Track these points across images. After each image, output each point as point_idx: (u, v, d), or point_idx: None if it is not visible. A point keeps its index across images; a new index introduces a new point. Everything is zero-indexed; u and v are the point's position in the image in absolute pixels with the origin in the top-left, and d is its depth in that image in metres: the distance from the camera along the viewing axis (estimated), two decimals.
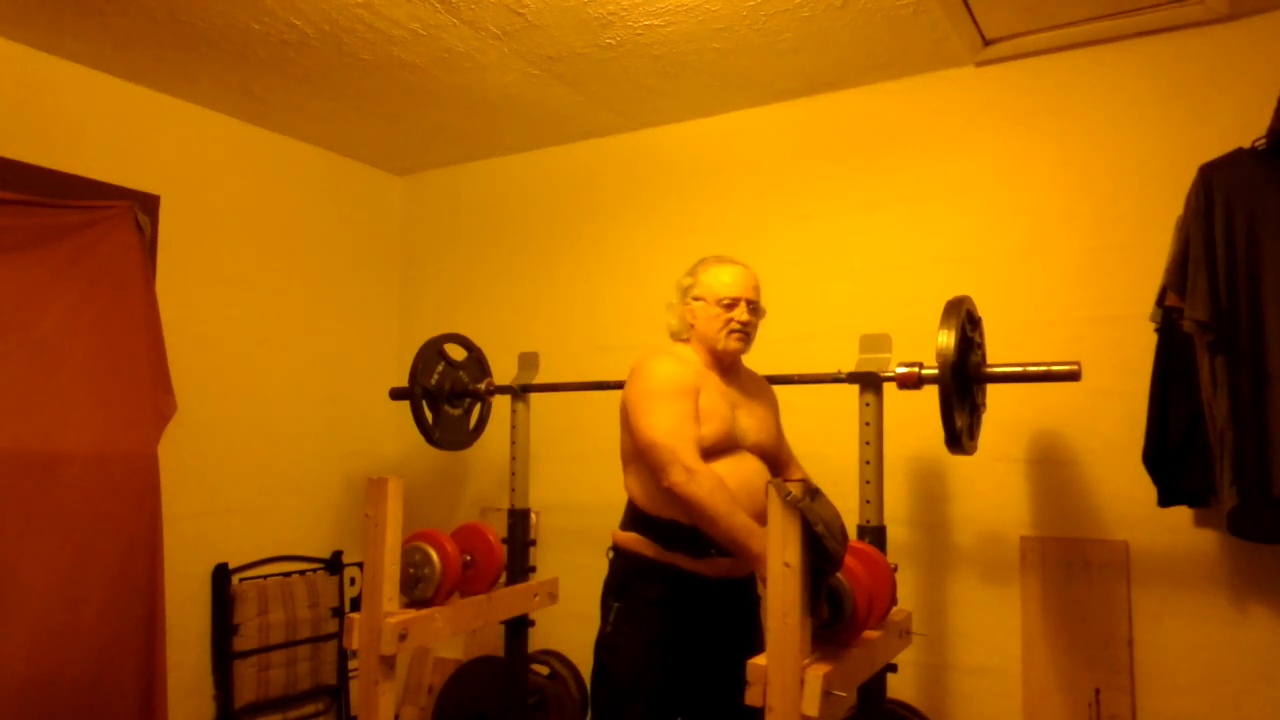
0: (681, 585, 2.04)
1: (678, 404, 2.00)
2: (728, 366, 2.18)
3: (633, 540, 2.10)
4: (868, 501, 2.08)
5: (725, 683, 2.06)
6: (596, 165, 3.42)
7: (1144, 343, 2.26)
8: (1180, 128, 2.36)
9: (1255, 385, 1.96)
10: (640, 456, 2.04)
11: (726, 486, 1.93)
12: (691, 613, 2.04)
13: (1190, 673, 2.24)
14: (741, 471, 2.04)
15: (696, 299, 2.16)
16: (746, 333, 2.14)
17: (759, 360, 2.73)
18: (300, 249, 3.47)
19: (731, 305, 2.12)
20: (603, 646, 2.10)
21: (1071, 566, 2.39)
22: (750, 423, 2.13)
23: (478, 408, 2.98)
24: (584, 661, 2.61)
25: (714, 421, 2.03)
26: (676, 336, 2.22)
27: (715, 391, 2.09)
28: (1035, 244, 2.54)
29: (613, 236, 3.34)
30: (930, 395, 1.94)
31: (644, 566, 2.07)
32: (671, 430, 1.96)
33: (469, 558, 2.40)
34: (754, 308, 2.16)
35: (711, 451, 2.01)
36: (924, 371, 2.03)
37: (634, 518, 2.13)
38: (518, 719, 2.71)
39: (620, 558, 2.14)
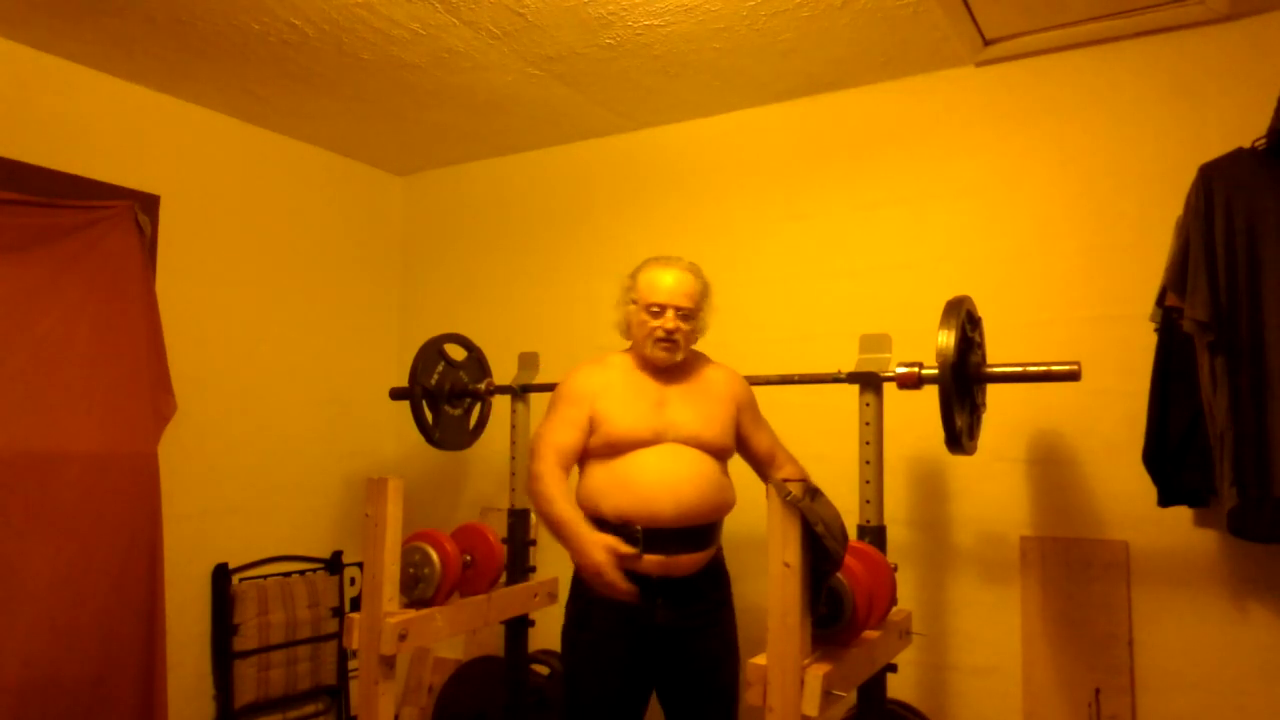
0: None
1: (562, 412, 2.13)
2: (666, 367, 2.16)
3: None
4: (868, 501, 2.09)
5: (681, 687, 2.11)
6: (596, 165, 3.41)
7: (1144, 343, 2.26)
8: (1180, 128, 2.36)
9: (1255, 385, 1.96)
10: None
11: (554, 486, 2.02)
12: (635, 610, 2.04)
13: (1190, 673, 2.23)
14: (666, 464, 2.04)
15: (632, 301, 2.18)
16: (673, 340, 2.11)
17: (759, 360, 2.73)
18: (300, 249, 3.47)
19: (659, 312, 2.11)
20: (562, 643, 2.19)
21: (1071, 566, 2.39)
22: (684, 417, 2.10)
23: (478, 408, 2.98)
24: None
25: (622, 420, 2.08)
26: (623, 335, 2.26)
27: (631, 392, 2.12)
28: (1035, 244, 2.54)
29: (613, 236, 3.34)
30: (930, 395, 1.94)
31: None
32: (539, 437, 2.13)
33: (469, 558, 2.40)
34: (686, 314, 2.12)
35: (624, 447, 2.06)
36: (924, 371, 2.03)
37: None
38: (517, 719, 2.71)
39: None
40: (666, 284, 2.12)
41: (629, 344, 2.25)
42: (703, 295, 2.19)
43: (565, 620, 2.19)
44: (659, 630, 2.06)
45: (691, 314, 2.14)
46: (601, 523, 2.08)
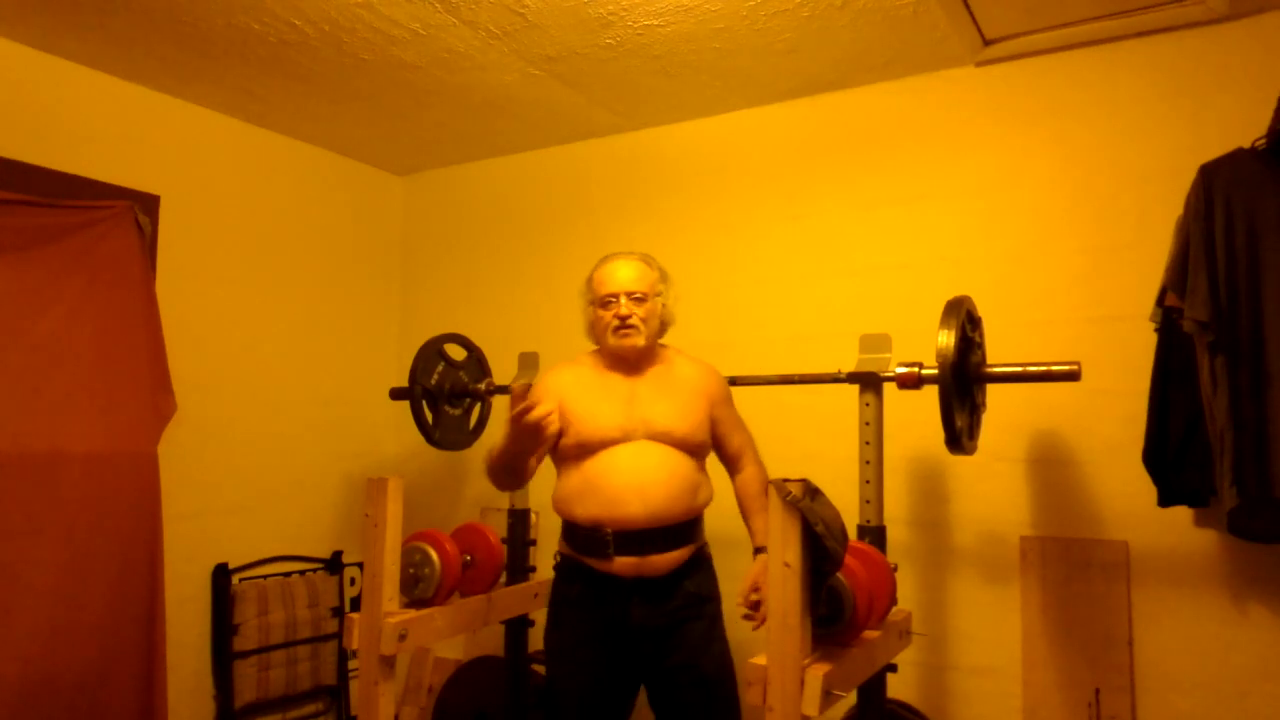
0: (597, 585, 2.06)
1: None
2: (635, 362, 2.15)
3: (560, 543, 2.18)
4: (868, 501, 2.09)
5: (666, 682, 2.08)
6: (596, 165, 3.42)
7: (1144, 343, 2.26)
8: (1180, 128, 2.36)
9: (1255, 385, 1.96)
10: None
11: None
12: (611, 611, 2.05)
13: (1190, 673, 2.23)
14: (636, 463, 2.03)
15: (589, 303, 2.18)
16: (633, 325, 2.09)
17: (760, 359, 2.73)
18: (300, 249, 3.47)
19: (611, 302, 2.11)
20: (544, 645, 2.20)
21: (1071, 566, 2.39)
22: (654, 412, 2.08)
23: (478, 408, 2.98)
24: None
25: (589, 421, 2.06)
26: (591, 340, 2.25)
27: (598, 390, 2.11)
28: (1035, 244, 2.54)
29: (613, 236, 3.33)
30: (930, 395, 1.94)
31: (566, 567, 2.16)
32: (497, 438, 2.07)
33: (469, 558, 2.41)
34: (639, 299, 2.11)
35: (594, 446, 2.05)
36: (924, 371, 2.03)
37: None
38: (517, 719, 2.71)
39: (558, 560, 2.21)
40: (615, 275, 2.13)
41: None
42: (658, 281, 2.17)
43: (546, 623, 2.19)
44: (636, 630, 2.04)
45: (645, 298, 2.12)
46: (574, 527, 2.08)
